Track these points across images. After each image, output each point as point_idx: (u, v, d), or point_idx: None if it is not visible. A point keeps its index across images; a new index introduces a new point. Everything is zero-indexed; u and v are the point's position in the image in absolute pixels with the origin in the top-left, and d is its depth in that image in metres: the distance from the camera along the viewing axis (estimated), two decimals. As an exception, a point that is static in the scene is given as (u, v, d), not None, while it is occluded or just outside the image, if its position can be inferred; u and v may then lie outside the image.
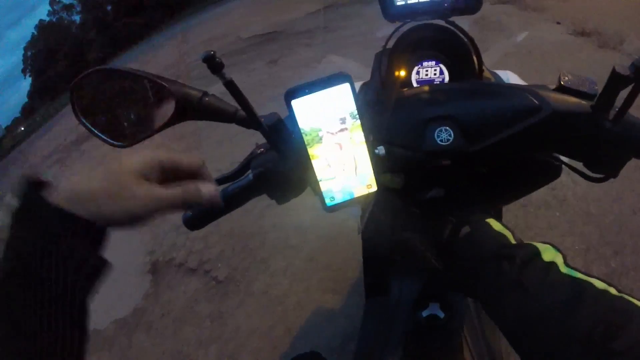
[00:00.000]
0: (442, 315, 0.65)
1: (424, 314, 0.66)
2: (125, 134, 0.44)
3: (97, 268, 0.33)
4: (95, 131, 0.42)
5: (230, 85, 0.38)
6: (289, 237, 2.04)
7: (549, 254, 0.38)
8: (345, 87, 0.37)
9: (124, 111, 0.44)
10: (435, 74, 0.66)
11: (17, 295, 0.28)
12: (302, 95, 0.37)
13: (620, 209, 1.80)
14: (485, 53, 3.36)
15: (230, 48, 5.86)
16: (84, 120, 0.42)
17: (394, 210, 0.63)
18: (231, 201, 0.50)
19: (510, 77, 0.76)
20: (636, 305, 0.32)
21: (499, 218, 0.50)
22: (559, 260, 0.38)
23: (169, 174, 0.38)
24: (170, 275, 2.15)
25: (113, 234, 0.35)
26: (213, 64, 0.35)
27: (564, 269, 0.37)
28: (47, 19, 39.83)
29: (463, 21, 0.56)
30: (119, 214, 0.33)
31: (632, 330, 0.30)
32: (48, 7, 39.58)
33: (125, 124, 0.44)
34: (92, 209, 0.32)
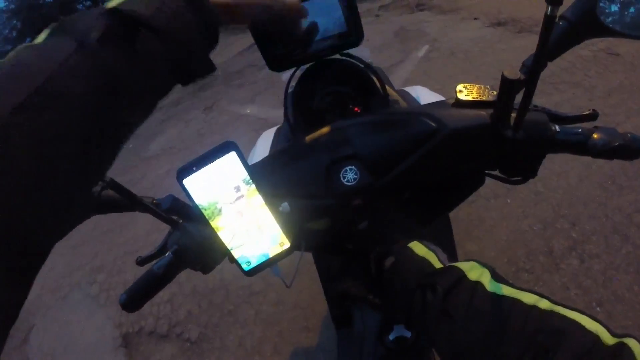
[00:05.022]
0: (409, 335, 0.65)
1: (391, 337, 0.66)
2: None
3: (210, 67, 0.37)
4: None
5: (113, 185, 0.38)
6: (251, 285, 1.99)
7: (474, 272, 0.37)
8: (232, 155, 0.38)
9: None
10: (345, 108, 0.65)
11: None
12: (192, 173, 0.37)
13: (567, 181, 1.87)
14: (402, 63, 3.51)
15: (165, 100, 5.77)
16: None
17: (328, 253, 0.62)
18: (160, 279, 0.51)
19: (420, 93, 0.78)
20: (567, 319, 0.30)
21: (425, 237, 0.48)
22: (485, 278, 0.36)
23: None
24: (143, 346, 2.03)
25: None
26: None
27: (490, 286, 0.35)
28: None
29: (361, 49, 0.56)
30: None
31: (563, 352, 0.28)
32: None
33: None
34: None
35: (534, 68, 0.40)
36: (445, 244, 0.81)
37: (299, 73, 0.63)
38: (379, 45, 4.15)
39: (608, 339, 0.28)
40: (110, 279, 2.66)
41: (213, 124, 4.16)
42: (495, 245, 1.65)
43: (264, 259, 0.43)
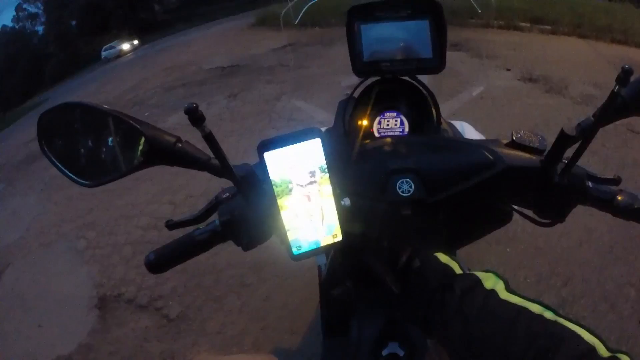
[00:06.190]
0: (401, 353, 0.65)
1: (384, 352, 0.66)
2: (91, 173, 0.43)
3: None
4: (60, 166, 0.42)
5: (209, 138, 0.38)
6: (244, 276, 1.99)
7: (490, 281, 0.40)
8: (317, 142, 0.38)
9: (92, 149, 0.43)
10: (396, 125, 0.69)
11: None
12: (275, 148, 0.38)
13: (567, 242, 1.92)
14: (446, 103, 3.56)
15: (191, 78, 5.75)
16: (49, 154, 0.42)
17: (354, 251, 0.64)
18: (197, 246, 0.50)
19: (465, 128, 0.83)
20: (568, 329, 0.33)
21: (448, 251, 0.52)
22: (499, 287, 0.40)
23: None
24: (119, 311, 2.01)
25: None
26: (195, 116, 0.36)
27: (504, 295, 0.39)
28: (11, 25, 38.41)
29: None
30: None
31: (563, 354, 0.31)
32: (13, 13, 38.21)
33: (92, 162, 0.43)
34: None
35: (592, 129, 0.46)
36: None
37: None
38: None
39: (603, 352, 0.31)
40: (100, 238, 2.65)
41: (235, 112, 4.17)
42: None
43: (314, 247, 0.44)
